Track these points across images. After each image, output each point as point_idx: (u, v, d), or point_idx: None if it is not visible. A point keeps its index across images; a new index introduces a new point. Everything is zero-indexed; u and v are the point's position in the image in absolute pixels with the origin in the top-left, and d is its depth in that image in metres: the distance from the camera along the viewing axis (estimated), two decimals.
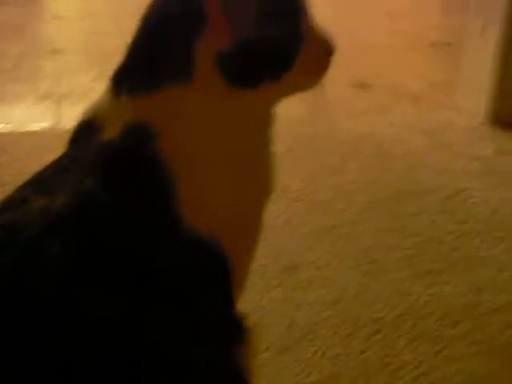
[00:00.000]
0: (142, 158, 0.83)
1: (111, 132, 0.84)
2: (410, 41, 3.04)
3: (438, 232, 1.64)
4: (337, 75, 2.57)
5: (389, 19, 3.31)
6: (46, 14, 3.38)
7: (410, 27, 3.22)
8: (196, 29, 0.82)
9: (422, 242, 1.61)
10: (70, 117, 2.16)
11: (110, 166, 0.83)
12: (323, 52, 0.90)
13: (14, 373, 0.74)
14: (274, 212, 1.67)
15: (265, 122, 0.92)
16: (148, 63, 0.85)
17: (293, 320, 1.37)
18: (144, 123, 0.83)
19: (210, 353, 0.85)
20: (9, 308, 0.76)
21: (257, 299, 1.41)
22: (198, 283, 0.85)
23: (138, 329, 0.79)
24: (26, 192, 0.83)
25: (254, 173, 0.90)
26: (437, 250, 1.58)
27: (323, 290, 1.45)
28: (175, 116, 0.84)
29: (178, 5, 0.84)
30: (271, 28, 0.84)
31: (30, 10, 3.30)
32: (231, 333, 0.89)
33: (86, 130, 0.88)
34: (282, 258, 1.54)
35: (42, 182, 0.84)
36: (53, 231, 0.78)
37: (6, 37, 2.91)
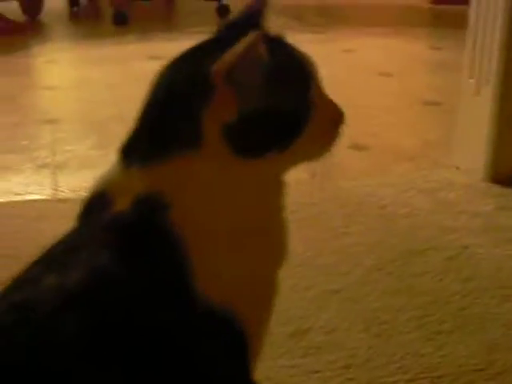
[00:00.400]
0: (154, 231, 0.82)
1: (122, 204, 0.83)
2: (403, 101, 3.06)
3: (445, 291, 1.62)
4: None
5: (382, 80, 3.34)
6: (39, 83, 3.40)
7: (402, 87, 3.25)
8: (203, 99, 0.82)
9: (430, 301, 1.58)
10: (68, 186, 2.16)
11: (122, 240, 0.81)
12: (333, 121, 0.90)
13: None
14: (279, 277, 1.65)
15: (275, 189, 0.90)
16: (157, 133, 0.85)
17: None
18: (155, 194, 0.83)
19: None
20: None
21: (265, 368, 1.37)
22: (216, 354, 0.84)
23: None
24: (37, 270, 0.82)
25: (267, 240, 0.89)
26: (445, 310, 1.55)
27: (333, 355, 1.42)
28: (185, 185, 0.83)
29: (185, 75, 0.85)
30: (279, 97, 0.83)
31: (23, 80, 3.32)
32: None
33: (97, 203, 0.87)
34: (289, 324, 1.51)
35: (54, 258, 0.83)
36: (67, 309, 0.77)
37: (2, 106, 2.91)
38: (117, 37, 4.15)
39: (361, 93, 3.11)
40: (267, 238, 0.89)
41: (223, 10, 4.62)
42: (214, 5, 4.64)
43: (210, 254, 0.83)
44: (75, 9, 4.86)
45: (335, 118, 0.90)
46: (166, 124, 0.84)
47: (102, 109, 2.87)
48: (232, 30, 0.88)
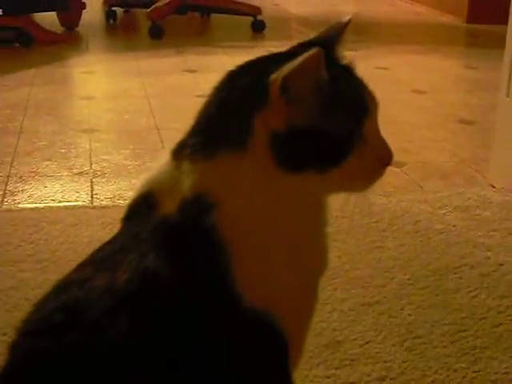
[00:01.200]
0: (199, 233, 0.83)
1: (169, 206, 0.85)
2: (437, 118, 3.06)
3: (480, 307, 1.62)
4: None
5: (416, 97, 3.35)
6: (77, 93, 3.44)
7: (437, 105, 3.25)
8: (258, 104, 0.84)
9: (465, 317, 1.58)
10: (104, 194, 2.19)
11: (169, 242, 0.83)
12: (380, 160, 0.90)
13: None
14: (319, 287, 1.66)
15: (317, 205, 0.92)
16: (208, 133, 0.87)
17: None
18: (201, 195, 0.84)
19: None
20: None
21: (300, 378, 1.38)
22: (257, 359, 0.85)
23: None
24: (85, 271, 0.84)
25: (308, 251, 0.90)
26: (480, 326, 1.55)
27: (367, 367, 1.42)
28: (230, 185, 0.85)
29: (246, 81, 0.87)
30: (331, 121, 0.85)
31: (61, 90, 3.36)
32: None
33: (143, 204, 0.89)
34: (324, 335, 1.52)
35: (102, 259, 0.85)
36: (117, 310, 0.79)
37: (40, 115, 2.95)
38: (152, 50, 4.19)
39: (394, 109, 3.12)
40: (308, 246, 0.90)
41: (258, 26, 4.66)
42: (250, 20, 4.68)
43: (251, 256, 0.84)
44: (111, 22, 4.91)
45: (383, 158, 0.90)
46: (218, 125, 0.87)
47: (138, 119, 2.90)
48: (304, 47, 0.89)
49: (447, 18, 5.31)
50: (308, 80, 0.82)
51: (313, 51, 0.80)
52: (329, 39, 0.93)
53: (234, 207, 0.84)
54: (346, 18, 0.96)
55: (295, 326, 0.89)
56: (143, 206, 0.89)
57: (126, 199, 2.08)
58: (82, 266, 0.86)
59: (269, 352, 0.86)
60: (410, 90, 3.44)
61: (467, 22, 5.13)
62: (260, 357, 0.85)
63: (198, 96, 2.90)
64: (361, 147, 0.87)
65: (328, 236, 0.93)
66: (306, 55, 0.81)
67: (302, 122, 0.83)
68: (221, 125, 0.86)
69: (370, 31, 4.95)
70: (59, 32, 4.47)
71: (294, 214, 0.88)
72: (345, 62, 0.92)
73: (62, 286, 0.84)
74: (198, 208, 0.84)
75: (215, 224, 0.83)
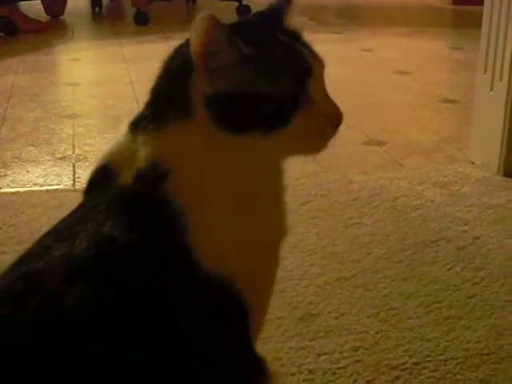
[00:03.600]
0: (155, 200, 0.85)
1: (126, 177, 0.87)
2: (421, 98, 3.07)
3: (455, 279, 1.64)
4: (349, 133, 2.60)
5: (400, 78, 3.36)
6: (62, 80, 3.44)
7: (420, 85, 3.26)
8: (188, 73, 0.87)
9: (440, 289, 1.60)
10: (86, 177, 2.19)
11: (126, 211, 0.85)
12: (328, 120, 0.90)
13: None
14: (290, 265, 1.68)
15: (272, 170, 0.93)
16: (158, 104, 0.91)
17: (311, 369, 1.36)
18: (155, 163, 0.87)
19: None
20: (30, 356, 0.77)
21: (274, 350, 1.40)
22: (217, 321, 0.86)
23: (161, 370, 0.80)
24: (46, 241, 0.86)
25: (264, 214, 0.92)
26: (454, 297, 1.57)
27: (341, 338, 1.44)
28: (182, 151, 0.87)
29: (184, 50, 0.89)
30: (262, 83, 0.86)
31: (46, 77, 3.36)
32: (253, 370, 0.90)
33: (102, 176, 0.90)
34: (299, 309, 1.54)
35: (61, 230, 0.87)
36: (74, 277, 0.80)
37: (24, 102, 2.96)
38: (138, 36, 4.19)
39: (378, 90, 3.13)
40: (264, 211, 0.92)
41: (244, 11, 4.65)
42: (235, 5, 4.68)
43: (207, 221, 0.86)
44: (97, 9, 4.91)
45: (331, 118, 0.90)
46: (165, 95, 0.90)
47: (122, 105, 2.91)
48: (255, 17, 0.95)
49: (434, 1, 5.31)
50: (211, 42, 0.84)
51: (202, 16, 0.83)
52: (276, 8, 0.96)
53: (187, 173, 0.86)
54: None
55: (255, 290, 0.90)
56: (102, 178, 0.91)
57: None
58: (42, 237, 0.88)
59: (228, 316, 0.88)
60: (394, 71, 3.44)
61: (454, 4, 5.13)
62: (219, 320, 0.86)
63: None
64: (307, 108, 0.88)
65: (286, 203, 0.94)
66: (197, 22, 0.83)
67: (230, 85, 0.86)
68: (167, 95, 0.90)
69: (356, 14, 4.95)
70: (44, 20, 4.47)
71: (247, 177, 0.90)
72: (291, 28, 0.94)
73: (23, 257, 0.86)
74: (152, 176, 0.86)
75: (169, 190, 0.85)
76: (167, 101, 0.89)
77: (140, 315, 0.81)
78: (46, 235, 0.88)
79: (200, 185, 0.86)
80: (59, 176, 2.23)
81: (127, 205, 0.85)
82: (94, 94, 3.12)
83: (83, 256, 0.81)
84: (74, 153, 2.42)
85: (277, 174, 0.93)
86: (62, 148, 2.46)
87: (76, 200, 2.12)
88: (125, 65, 3.50)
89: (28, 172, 2.26)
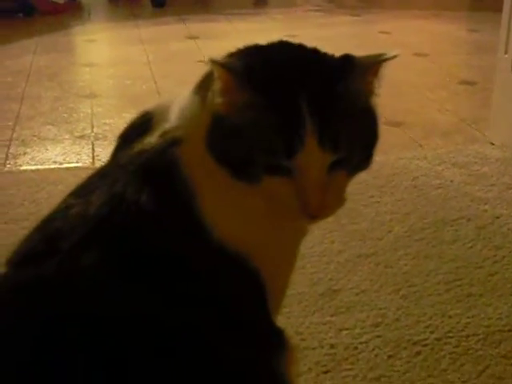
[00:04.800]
0: (167, 165, 0.85)
1: (155, 133, 0.87)
2: (439, 80, 3.06)
3: (476, 257, 1.64)
4: None
5: (418, 60, 3.34)
6: (79, 61, 3.44)
7: (438, 67, 3.25)
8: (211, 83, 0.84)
9: (460, 267, 1.60)
10: (105, 156, 2.20)
11: (141, 170, 0.85)
12: (302, 202, 0.82)
13: None
14: (310, 242, 1.68)
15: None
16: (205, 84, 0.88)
17: (332, 344, 1.37)
18: (181, 125, 0.87)
19: (250, 357, 0.86)
20: (50, 313, 0.78)
21: (295, 325, 1.41)
22: (233, 288, 0.86)
23: (179, 332, 0.80)
24: (68, 199, 0.88)
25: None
26: (475, 275, 1.57)
27: (363, 314, 1.45)
28: (194, 127, 0.86)
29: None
30: (253, 139, 0.81)
31: (64, 58, 3.37)
32: (272, 341, 0.89)
33: (140, 124, 0.91)
34: (320, 284, 1.54)
35: (84, 187, 0.88)
36: (88, 238, 0.81)
37: (42, 82, 2.97)
38: (155, 18, 4.19)
39: (396, 72, 3.11)
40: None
41: None
42: None
43: (213, 197, 0.85)
44: None
45: (305, 201, 0.81)
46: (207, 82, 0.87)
47: (139, 85, 2.91)
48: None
49: None
50: (225, 85, 0.82)
51: (211, 60, 0.81)
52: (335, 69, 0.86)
53: (196, 149, 0.85)
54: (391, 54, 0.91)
55: (272, 271, 0.89)
56: (139, 126, 0.91)
57: None
58: (67, 195, 0.89)
59: (244, 286, 0.87)
60: (411, 54, 3.42)
61: None
62: (235, 288, 0.86)
63: (199, 61, 2.91)
64: (284, 180, 0.81)
65: None
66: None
67: (234, 120, 0.82)
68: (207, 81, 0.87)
69: None
70: (61, 2, 4.46)
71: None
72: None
73: (47, 218, 0.87)
74: (170, 140, 0.86)
75: (178, 158, 0.84)
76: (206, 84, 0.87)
77: (149, 277, 0.80)
78: (70, 193, 0.89)
79: (209, 164, 0.85)
80: (78, 154, 2.24)
81: (142, 164, 0.85)
82: (112, 75, 3.13)
83: (96, 216, 0.82)
84: (92, 131, 2.43)
85: None
86: (81, 127, 2.47)
87: None
88: (142, 46, 3.50)
89: (47, 150, 2.27)
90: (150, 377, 0.77)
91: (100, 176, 0.87)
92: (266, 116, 0.80)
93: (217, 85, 0.82)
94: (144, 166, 0.85)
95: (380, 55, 0.89)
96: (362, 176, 2.06)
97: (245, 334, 0.86)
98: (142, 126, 0.90)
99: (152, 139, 0.87)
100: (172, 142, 0.85)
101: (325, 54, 0.89)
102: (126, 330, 0.77)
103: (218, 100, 0.83)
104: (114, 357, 0.76)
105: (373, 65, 0.88)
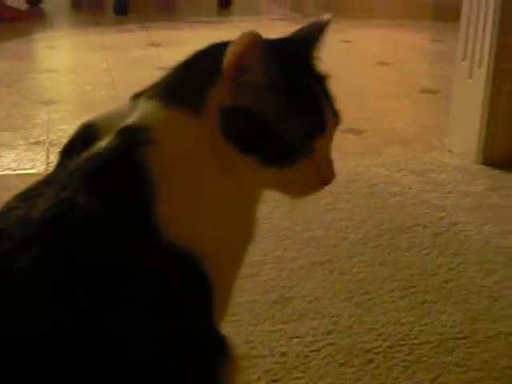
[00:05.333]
0: (127, 163, 0.84)
1: (106, 138, 0.85)
2: (399, 88, 3.06)
3: (431, 264, 1.62)
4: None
5: (380, 69, 3.34)
6: (39, 67, 3.40)
7: (400, 76, 3.25)
8: (214, 78, 0.87)
9: (415, 274, 1.59)
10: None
11: (92, 173, 0.83)
12: (320, 178, 0.90)
13: None
14: (263, 249, 1.66)
15: (252, 192, 0.93)
16: (171, 89, 0.90)
17: (283, 352, 1.34)
18: (142, 127, 0.85)
19: (190, 365, 0.83)
20: None
21: (246, 333, 1.38)
22: (177, 292, 0.84)
23: (116, 339, 0.77)
24: (12, 202, 0.84)
25: (238, 214, 0.91)
26: (430, 282, 1.56)
27: (315, 321, 1.42)
28: (175, 131, 0.87)
29: (212, 56, 0.90)
30: (282, 121, 0.86)
31: (23, 64, 3.32)
32: (214, 349, 0.87)
33: (83, 136, 0.89)
34: (273, 292, 1.52)
35: (29, 191, 0.86)
36: (30, 239, 0.78)
37: (1, 88, 2.92)
38: (117, 25, 4.15)
39: (358, 80, 3.12)
40: (238, 211, 0.91)
41: (225, 1, 4.62)
42: None
43: (177, 195, 0.84)
44: None
45: (325, 178, 0.91)
46: (181, 86, 0.89)
47: (98, 91, 2.88)
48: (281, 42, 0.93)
49: None
50: (248, 57, 0.84)
51: (248, 33, 0.83)
52: (306, 39, 0.94)
53: (173, 148, 0.85)
54: (325, 17, 0.96)
55: (221, 272, 0.88)
56: (82, 138, 0.89)
57: None
58: (11, 199, 0.86)
59: (190, 289, 0.85)
60: (374, 63, 3.43)
61: None
62: (179, 292, 0.84)
63: (159, 68, 2.87)
64: (306, 160, 0.88)
65: (257, 211, 0.95)
66: (241, 36, 0.84)
67: (249, 105, 0.86)
68: (184, 85, 0.89)
69: (337, 6, 4.93)
70: (23, 9, 4.42)
71: (229, 179, 0.89)
72: (319, 70, 0.93)
73: None
74: (131, 140, 0.84)
75: (146, 157, 0.83)
76: (182, 90, 0.89)
77: (93, 276, 0.78)
78: (15, 197, 0.86)
79: (182, 164, 0.85)
80: (32, 161, 2.20)
81: (95, 167, 0.83)
82: (71, 81, 3.09)
83: (41, 218, 0.79)
84: (48, 138, 2.39)
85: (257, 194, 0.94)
86: (36, 133, 2.43)
87: None
88: (103, 53, 3.46)
89: (1, 156, 2.23)
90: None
91: (46, 183, 0.85)
92: (298, 97, 0.87)
93: (229, 80, 0.85)
94: (96, 170, 0.83)
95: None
96: None
97: (187, 341, 0.84)
98: (84, 137, 0.88)
99: (103, 144, 0.85)
100: (136, 141, 0.84)
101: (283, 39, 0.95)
102: (52, 336, 0.74)
103: (231, 93, 0.85)
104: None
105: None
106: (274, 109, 0.86)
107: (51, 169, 2.08)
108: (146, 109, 0.88)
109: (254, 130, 0.86)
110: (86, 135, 0.89)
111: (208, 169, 0.87)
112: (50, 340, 0.75)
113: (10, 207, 0.83)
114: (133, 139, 0.84)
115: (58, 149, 2.22)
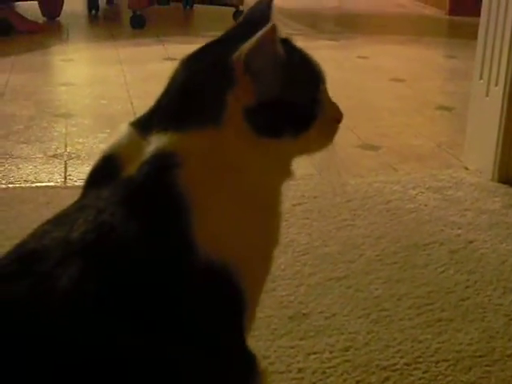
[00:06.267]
0: (160, 188, 0.86)
1: (132, 168, 0.88)
2: (415, 105, 3.06)
3: (448, 282, 1.63)
4: (344, 136, 2.60)
5: (395, 85, 3.35)
6: (56, 80, 3.43)
7: (415, 92, 3.25)
8: (226, 83, 0.90)
9: (432, 291, 1.59)
10: (77, 175, 2.18)
11: (128, 198, 0.86)
12: (335, 119, 1.00)
13: None
14: (282, 264, 1.66)
15: (283, 174, 0.99)
16: (177, 111, 0.92)
17: (300, 368, 1.35)
18: (166, 155, 0.88)
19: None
20: (17, 334, 0.76)
21: (263, 348, 1.38)
22: (215, 310, 0.85)
23: (155, 358, 0.78)
24: (45, 226, 0.86)
25: (266, 219, 0.95)
26: (447, 299, 1.56)
27: (332, 338, 1.43)
28: (200, 152, 0.89)
29: (209, 63, 0.93)
30: (293, 90, 0.94)
31: (42, 77, 3.34)
32: (248, 365, 0.89)
33: (105, 167, 0.91)
34: (290, 308, 1.52)
35: (62, 216, 0.87)
36: (70, 260, 0.79)
37: (18, 101, 2.94)
38: (133, 39, 4.18)
39: (373, 96, 3.13)
40: (266, 216, 0.95)
41: (240, 16, 4.65)
42: (232, 10, 4.67)
43: (213, 212, 0.87)
44: (94, 12, 4.89)
45: (337, 117, 1.00)
46: (191, 102, 0.91)
47: (115, 105, 2.90)
48: (241, 29, 0.99)
49: (430, 11, 5.31)
50: (267, 54, 0.89)
51: (268, 27, 0.87)
52: (260, 17, 0.99)
53: (200, 167, 0.88)
54: None
55: (252, 283, 0.90)
56: (105, 169, 0.92)
57: None
58: (43, 224, 0.87)
59: (226, 306, 0.87)
60: (389, 79, 3.44)
61: (449, 15, 5.13)
62: (216, 311, 0.86)
63: None
64: (321, 110, 0.97)
65: (281, 215, 0.98)
66: (263, 31, 0.87)
67: (269, 94, 0.91)
68: (194, 104, 0.91)
69: (353, 22, 4.95)
70: (40, 22, 4.45)
71: (260, 177, 0.93)
72: (283, 35, 0.97)
73: (23, 241, 0.85)
74: (160, 165, 0.87)
75: (178, 180, 0.85)
76: (192, 106, 0.91)
77: (133, 298, 0.79)
78: (46, 222, 0.87)
79: (215, 180, 0.88)
80: (50, 173, 2.22)
81: (129, 192, 0.86)
82: (88, 94, 3.11)
83: (80, 240, 0.81)
84: (65, 151, 2.40)
85: (286, 176, 0.99)
86: (54, 146, 2.44)
87: (66, 197, 2.11)
88: (119, 66, 3.48)
89: (19, 169, 2.25)
90: None
91: (77, 209, 0.87)
92: (296, 65, 0.95)
93: (244, 76, 0.89)
94: (131, 195, 0.85)
95: None
96: (335, 199, 2.07)
97: (222, 359, 0.86)
98: (106, 168, 0.91)
99: (133, 172, 0.87)
100: (165, 166, 0.86)
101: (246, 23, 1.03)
102: (93, 357, 0.76)
103: (250, 90, 0.90)
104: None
105: None
106: (288, 85, 0.92)
107: (69, 181, 2.11)
108: (164, 137, 0.89)
109: (281, 112, 0.92)
110: (107, 167, 0.92)
111: (237, 176, 0.91)
112: (94, 356, 0.76)
113: (43, 230, 0.84)
114: (162, 165, 0.87)
115: (75, 161, 2.27)
